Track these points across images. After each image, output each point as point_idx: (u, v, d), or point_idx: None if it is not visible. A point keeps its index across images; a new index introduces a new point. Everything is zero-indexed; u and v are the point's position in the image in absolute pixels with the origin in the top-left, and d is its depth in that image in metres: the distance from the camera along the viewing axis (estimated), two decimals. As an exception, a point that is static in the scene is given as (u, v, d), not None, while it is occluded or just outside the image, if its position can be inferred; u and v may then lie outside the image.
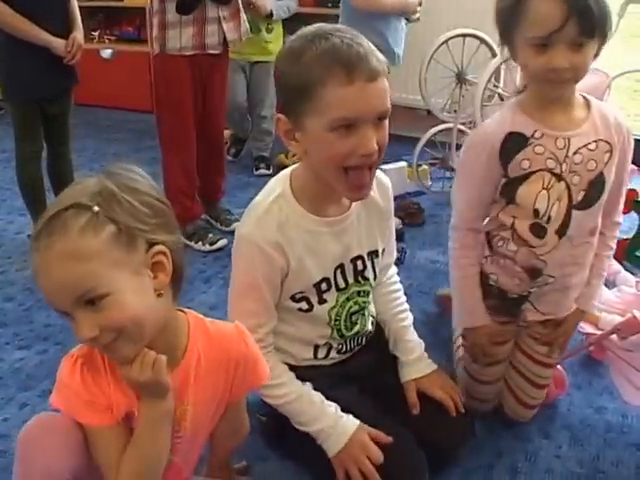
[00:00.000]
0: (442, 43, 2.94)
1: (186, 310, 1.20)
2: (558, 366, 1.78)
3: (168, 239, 1.04)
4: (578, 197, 1.45)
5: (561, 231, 1.47)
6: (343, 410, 1.42)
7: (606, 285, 1.90)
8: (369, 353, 1.59)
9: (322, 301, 1.45)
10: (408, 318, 1.63)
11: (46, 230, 0.96)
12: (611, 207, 1.53)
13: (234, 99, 3.41)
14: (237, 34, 2.62)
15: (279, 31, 3.40)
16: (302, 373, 1.47)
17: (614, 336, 1.64)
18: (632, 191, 2.52)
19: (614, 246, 1.59)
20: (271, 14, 3.22)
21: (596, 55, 1.36)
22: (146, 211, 1.01)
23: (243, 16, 2.65)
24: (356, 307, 1.51)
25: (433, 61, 2.96)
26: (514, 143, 1.42)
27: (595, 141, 1.43)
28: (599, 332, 1.70)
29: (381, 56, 1.26)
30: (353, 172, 1.27)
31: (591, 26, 1.28)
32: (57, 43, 2.46)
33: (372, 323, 1.60)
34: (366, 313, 1.56)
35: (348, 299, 1.49)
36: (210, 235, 2.69)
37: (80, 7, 2.60)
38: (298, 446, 1.46)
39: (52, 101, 2.56)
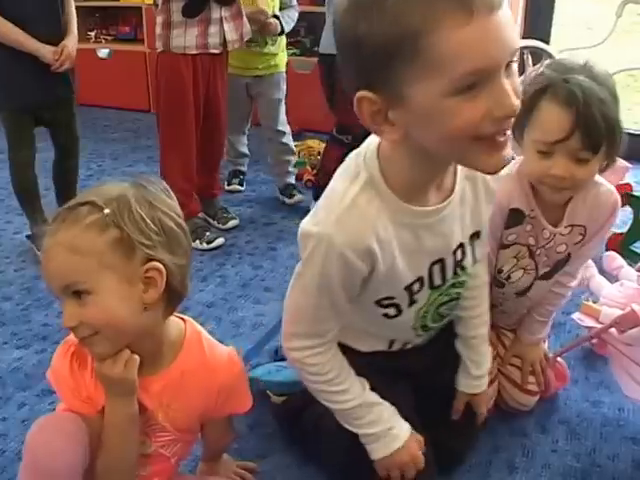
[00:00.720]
0: None
1: (187, 319, 1.23)
2: (559, 359, 1.80)
3: (168, 259, 1.06)
4: (543, 271, 1.58)
5: (521, 294, 1.62)
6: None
7: (609, 280, 1.91)
8: (429, 347, 1.40)
9: (412, 302, 1.22)
10: (486, 323, 1.43)
11: (60, 217, 1.05)
12: (572, 270, 1.61)
13: (237, 120, 3.12)
14: (237, 35, 2.63)
15: (283, 41, 3.19)
16: (352, 361, 1.29)
17: (614, 330, 1.64)
18: (626, 185, 2.54)
19: (561, 304, 1.69)
20: (282, 31, 3.01)
21: (603, 170, 1.39)
22: (154, 228, 1.05)
23: (245, 18, 2.66)
24: (446, 298, 1.27)
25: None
26: (514, 217, 1.49)
27: (571, 225, 1.50)
28: (599, 326, 1.70)
29: None
30: (488, 140, 0.92)
31: (596, 143, 1.30)
32: (45, 51, 2.37)
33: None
34: (457, 302, 1.32)
35: (440, 294, 1.25)
36: (207, 234, 2.69)
37: (76, 7, 2.57)
38: (314, 433, 1.40)
39: (44, 109, 2.50)
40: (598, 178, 1.46)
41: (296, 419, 1.52)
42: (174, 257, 1.07)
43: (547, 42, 3.33)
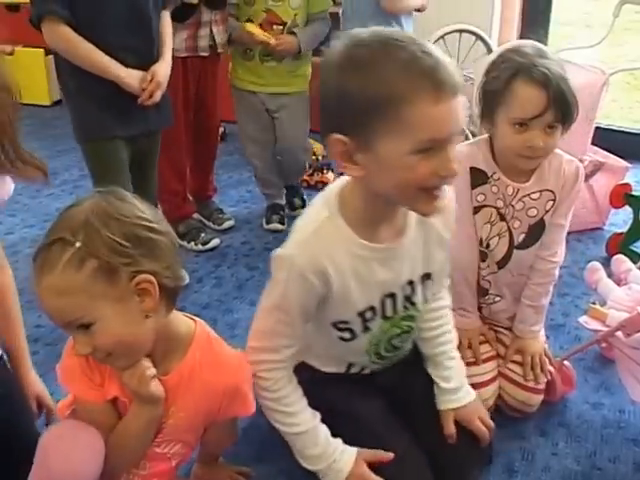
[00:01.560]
0: (438, 38, 2.92)
1: (197, 320, 1.25)
2: (567, 362, 1.79)
3: (154, 266, 1.07)
4: (519, 239, 1.67)
5: (501, 264, 1.70)
6: (355, 425, 1.38)
7: (617, 283, 1.90)
8: (400, 362, 1.50)
9: (366, 329, 1.35)
10: (450, 341, 1.50)
11: (38, 262, 1.05)
12: (549, 240, 1.68)
13: (259, 141, 2.77)
14: (226, 37, 2.61)
15: (306, 57, 2.70)
16: (325, 379, 1.44)
17: (620, 333, 1.62)
18: (626, 185, 2.53)
19: (548, 285, 1.72)
20: (299, 51, 2.60)
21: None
22: (128, 244, 1.05)
23: None
24: (397, 330, 1.40)
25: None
26: (476, 177, 1.62)
27: (540, 191, 1.62)
28: (606, 329, 1.69)
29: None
30: (430, 191, 1.14)
31: (565, 114, 1.50)
32: (130, 78, 1.90)
33: (412, 341, 1.50)
34: (409, 335, 1.44)
35: (392, 325, 1.38)
36: (202, 235, 2.67)
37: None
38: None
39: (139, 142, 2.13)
40: (558, 151, 1.61)
41: None
42: (158, 262, 1.08)
43: (544, 41, 3.31)
